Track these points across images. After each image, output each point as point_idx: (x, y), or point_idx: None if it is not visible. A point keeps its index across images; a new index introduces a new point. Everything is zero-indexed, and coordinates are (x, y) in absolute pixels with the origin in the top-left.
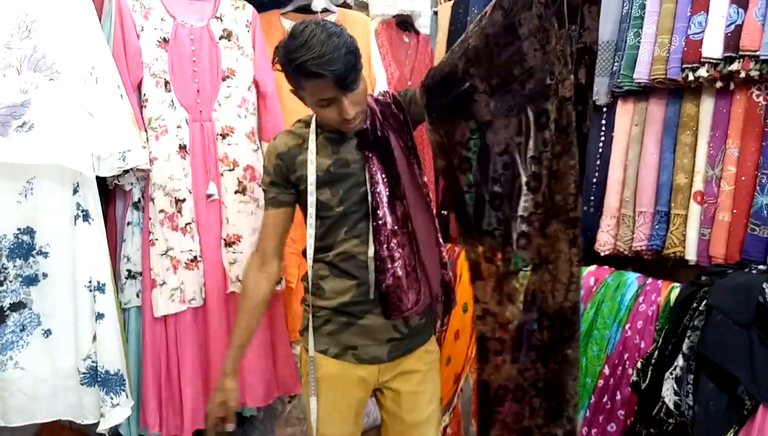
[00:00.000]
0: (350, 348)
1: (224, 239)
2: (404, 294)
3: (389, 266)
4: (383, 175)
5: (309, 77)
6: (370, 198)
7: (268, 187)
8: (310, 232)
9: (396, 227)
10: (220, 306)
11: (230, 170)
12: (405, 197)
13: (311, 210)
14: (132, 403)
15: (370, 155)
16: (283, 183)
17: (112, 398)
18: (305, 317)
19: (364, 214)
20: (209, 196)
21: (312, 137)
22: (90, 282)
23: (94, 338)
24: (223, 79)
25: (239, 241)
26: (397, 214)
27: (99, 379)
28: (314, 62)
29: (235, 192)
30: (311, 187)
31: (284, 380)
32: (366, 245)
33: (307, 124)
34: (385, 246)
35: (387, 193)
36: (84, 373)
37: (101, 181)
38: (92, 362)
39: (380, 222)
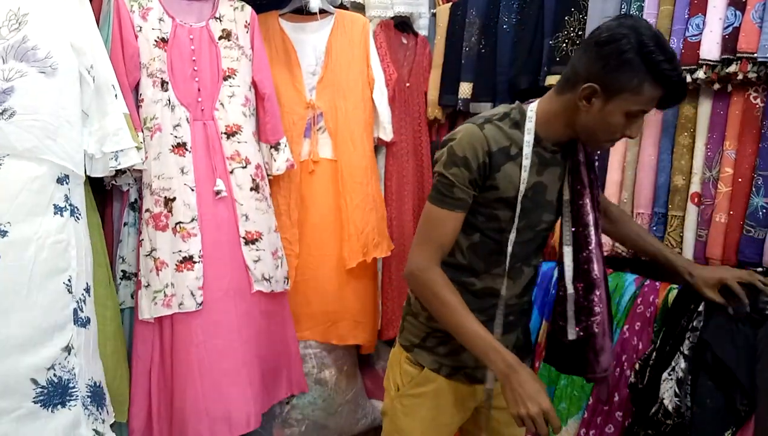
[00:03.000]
0: (464, 368)
1: (244, 238)
2: (601, 353)
3: (592, 318)
4: (593, 216)
5: (660, 82)
6: (571, 232)
7: (465, 185)
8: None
9: (600, 276)
10: (223, 308)
11: (243, 168)
12: (600, 245)
13: (514, 225)
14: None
15: (582, 191)
16: (480, 184)
17: (100, 413)
18: (416, 333)
19: (531, 252)
20: (217, 193)
21: (530, 138)
22: (70, 281)
23: (68, 347)
24: (225, 79)
25: (261, 238)
26: (601, 260)
27: (86, 396)
28: (674, 72)
29: (250, 189)
30: (520, 196)
31: (298, 378)
32: (515, 288)
33: (516, 124)
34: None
35: (595, 237)
36: (42, 387)
37: (98, 182)
38: (54, 375)
39: (585, 267)
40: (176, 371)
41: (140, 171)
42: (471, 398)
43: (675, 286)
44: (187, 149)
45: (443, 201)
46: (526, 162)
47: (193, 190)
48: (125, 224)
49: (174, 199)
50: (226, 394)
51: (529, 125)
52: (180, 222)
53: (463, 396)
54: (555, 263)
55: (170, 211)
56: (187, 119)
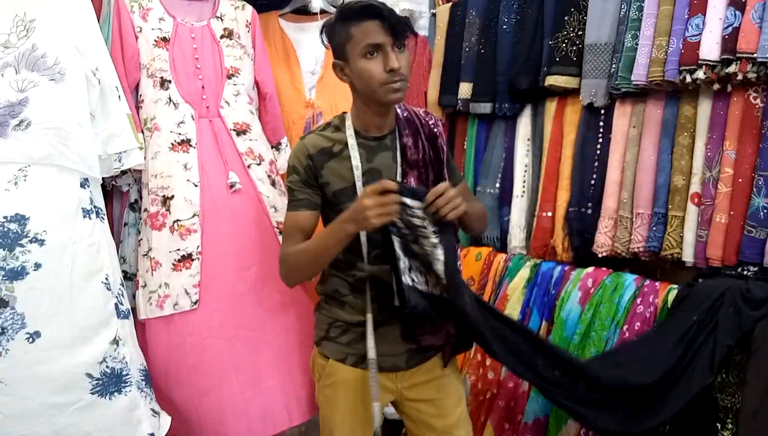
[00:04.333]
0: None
1: (277, 228)
2: (419, 319)
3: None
4: None
5: (359, 18)
6: None
7: (301, 187)
8: None
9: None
10: (222, 306)
11: (258, 164)
12: None
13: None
14: None
15: (408, 171)
16: (315, 184)
17: (152, 392)
18: (321, 326)
19: None
20: (231, 185)
21: (351, 133)
22: (107, 279)
23: (116, 340)
24: (228, 77)
25: None
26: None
27: (140, 380)
28: (366, 3)
29: (270, 184)
30: (359, 184)
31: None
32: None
33: (338, 128)
34: None
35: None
36: (98, 379)
37: None
38: (107, 367)
39: None
40: (202, 371)
41: (140, 171)
42: (386, 383)
43: (675, 286)
44: (191, 145)
45: (291, 205)
46: (354, 152)
47: (196, 185)
48: (125, 225)
49: (172, 197)
50: (265, 389)
51: (348, 123)
52: (178, 220)
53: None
54: (555, 263)
55: (168, 209)
56: (192, 116)
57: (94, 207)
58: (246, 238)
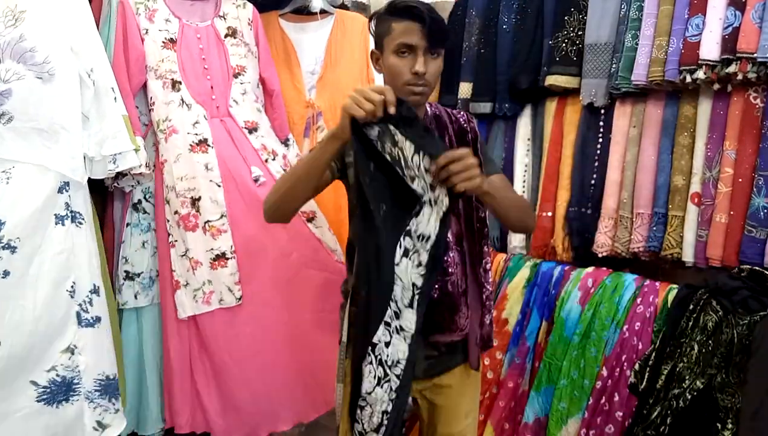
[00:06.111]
0: None
1: (302, 216)
2: (457, 312)
3: (446, 277)
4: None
5: (402, 16)
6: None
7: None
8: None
9: (452, 240)
10: (272, 294)
11: (273, 159)
12: (460, 216)
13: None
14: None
15: None
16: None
17: (113, 404)
18: (342, 325)
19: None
20: (256, 179)
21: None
22: (73, 287)
23: (70, 348)
24: (235, 76)
25: (315, 216)
26: (454, 227)
27: (92, 390)
28: (413, 3)
29: None
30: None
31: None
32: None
33: None
34: None
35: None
36: (44, 387)
37: (99, 182)
38: (56, 375)
39: None
40: (268, 354)
41: (142, 174)
42: None
43: (675, 286)
44: (209, 145)
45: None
46: None
47: (219, 186)
48: (128, 225)
49: (200, 198)
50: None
51: None
52: (208, 221)
53: None
54: (555, 263)
55: (198, 210)
56: (204, 117)
57: (70, 212)
58: (278, 228)
